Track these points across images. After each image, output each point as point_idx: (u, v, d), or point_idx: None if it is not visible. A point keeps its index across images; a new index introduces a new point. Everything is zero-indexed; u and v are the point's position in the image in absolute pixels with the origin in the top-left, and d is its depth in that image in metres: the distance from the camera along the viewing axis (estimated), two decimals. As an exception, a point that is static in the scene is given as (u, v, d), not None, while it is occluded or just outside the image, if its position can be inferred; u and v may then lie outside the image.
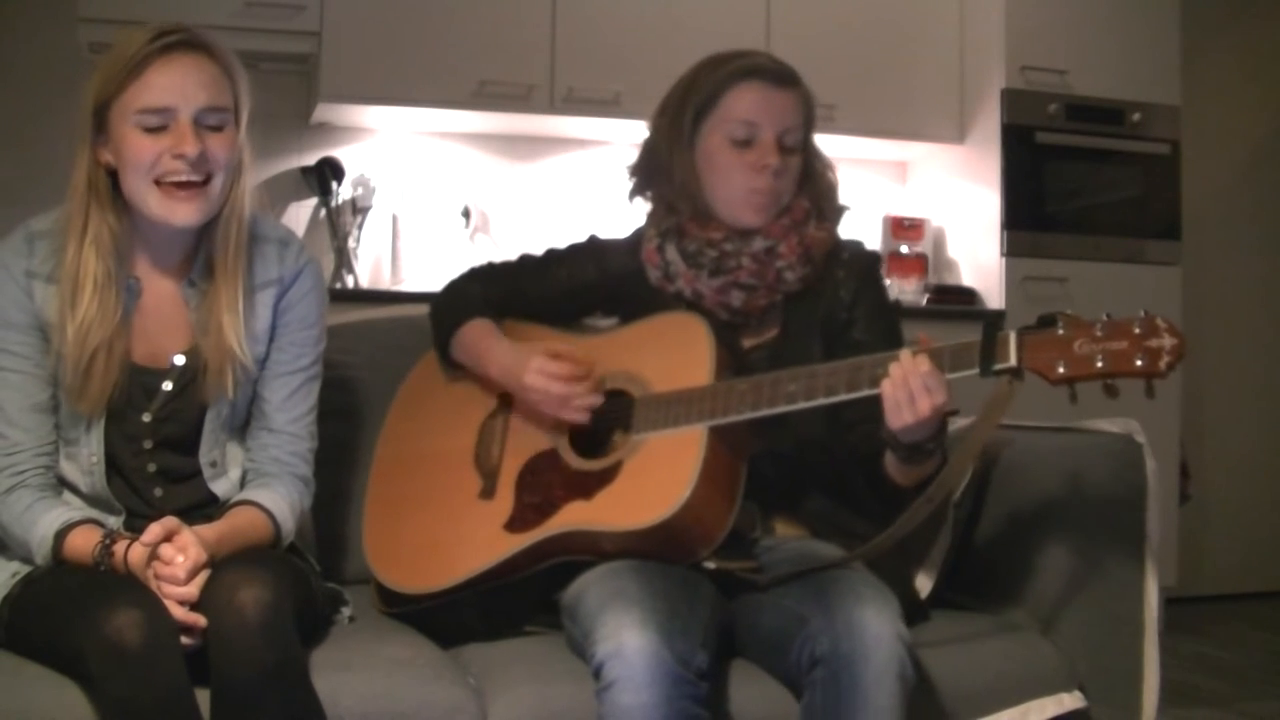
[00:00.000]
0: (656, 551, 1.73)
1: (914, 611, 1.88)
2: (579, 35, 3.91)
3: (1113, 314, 1.57)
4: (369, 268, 3.99)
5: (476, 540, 1.86)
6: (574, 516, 1.80)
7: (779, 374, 1.75)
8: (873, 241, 4.20)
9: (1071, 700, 1.89)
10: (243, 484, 1.84)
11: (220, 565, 1.60)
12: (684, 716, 1.55)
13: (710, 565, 1.76)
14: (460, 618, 1.85)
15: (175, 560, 1.57)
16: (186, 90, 1.70)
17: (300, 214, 4.01)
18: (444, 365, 2.08)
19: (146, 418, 1.78)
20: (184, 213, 1.72)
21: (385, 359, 2.26)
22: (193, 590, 1.56)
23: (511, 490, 1.89)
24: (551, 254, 2.09)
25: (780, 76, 1.93)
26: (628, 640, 1.56)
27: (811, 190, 1.97)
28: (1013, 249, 4.09)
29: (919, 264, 4.27)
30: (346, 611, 1.88)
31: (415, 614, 1.89)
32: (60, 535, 1.66)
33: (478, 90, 3.83)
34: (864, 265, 1.99)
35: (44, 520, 1.68)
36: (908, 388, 1.63)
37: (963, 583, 2.08)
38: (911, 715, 1.60)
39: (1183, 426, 4.23)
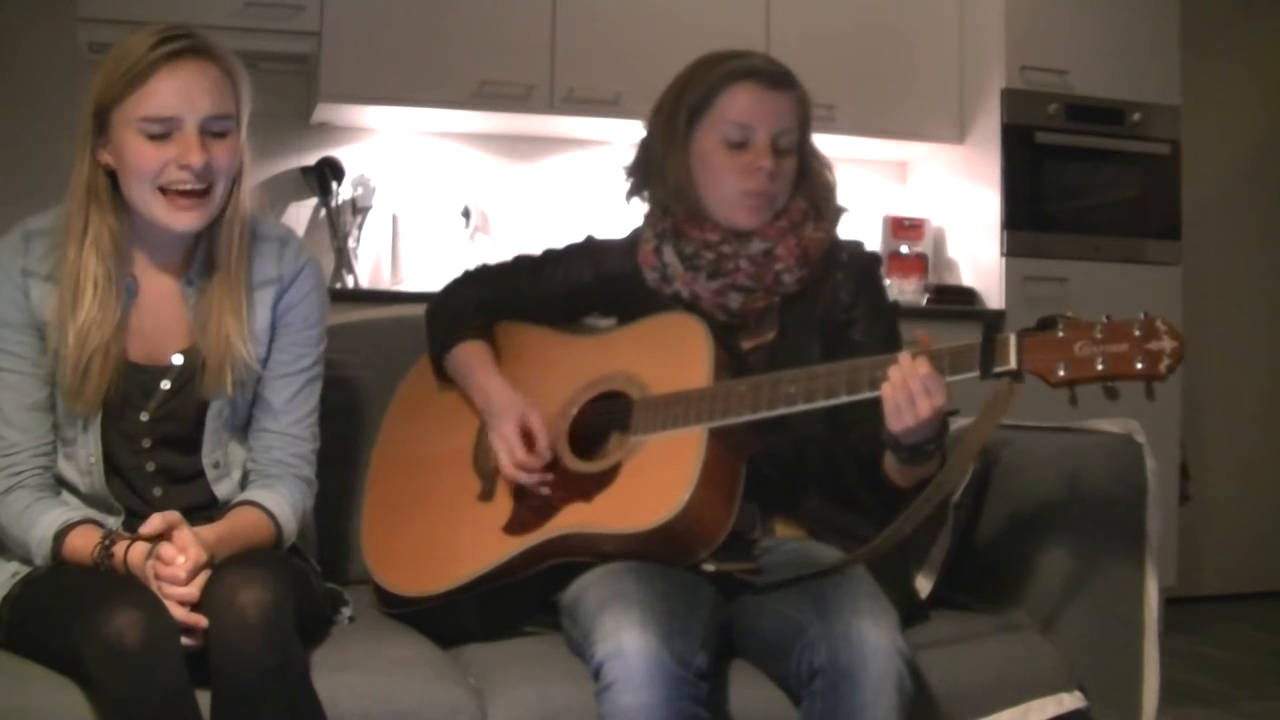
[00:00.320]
0: (656, 553, 1.73)
1: (914, 612, 1.88)
2: (579, 35, 3.91)
3: (1113, 315, 1.56)
4: (369, 268, 3.99)
5: (476, 543, 1.85)
6: (573, 519, 1.79)
7: (778, 375, 1.75)
8: (873, 241, 4.20)
9: (1071, 700, 1.89)
10: (244, 485, 1.84)
11: (221, 566, 1.60)
12: (683, 717, 1.55)
13: (709, 567, 1.76)
14: (460, 618, 1.85)
15: (175, 560, 1.57)
16: (192, 99, 1.69)
17: (300, 214, 4.01)
18: (437, 375, 2.08)
19: (144, 417, 1.78)
20: (186, 219, 1.73)
21: (385, 359, 2.26)
22: (193, 591, 1.55)
23: (510, 492, 1.89)
24: (548, 255, 2.08)
25: (775, 78, 1.92)
26: (627, 641, 1.56)
27: (809, 191, 1.97)
28: (1013, 249, 4.09)
29: (919, 264, 4.27)
30: (346, 612, 1.88)
31: (415, 614, 1.88)
32: (59, 536, 1.66)
33: (478, 90, 3.83)
34: (863, 266, 1.99)
35: (43, 521, 1.68)
36: (907, 390, 1.62)
37: (963, 583, 2.08)
38: (912, 715, 1.60)
39: (1183, 426, 4.23)
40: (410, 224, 4.06)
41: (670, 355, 1.86)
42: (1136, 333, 1.54)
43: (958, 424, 1.97)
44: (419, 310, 2.21)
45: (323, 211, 3.97)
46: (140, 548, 1.60)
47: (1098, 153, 4.19)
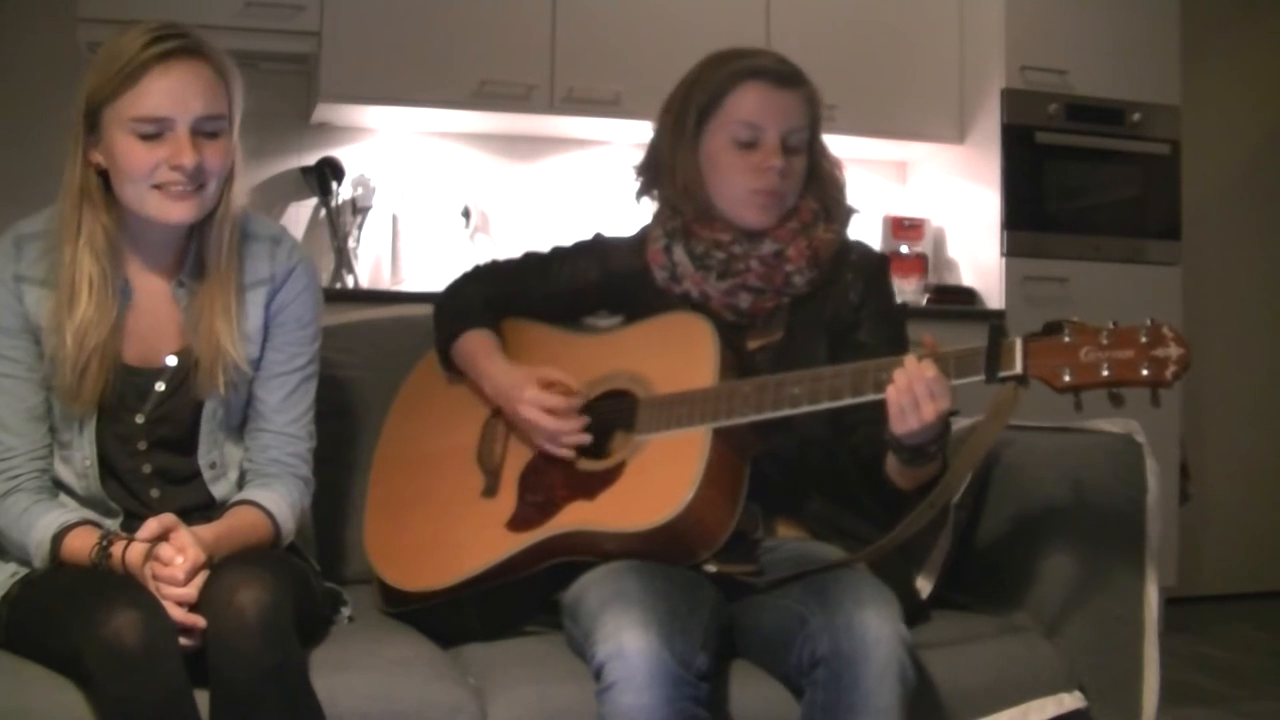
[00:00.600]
0: (658, 553, 1.73)
1: (915, 612, 1.88)
2: (579, 35, 3.91)
3: (1119, 320, 1.56)
4: (369, 268, 3.99)
5: (478, 539, 1.85)
6: (576, 517, 1.79)
7: (783, 376, 1.75)
8: (873, 242, 4.19)
9: (1071, 700, 1.89)
10: (241, 485, 1.84)
11: (219, 566, 1.60)
12: (684, 717, 1.55)
13: (711, 568, 1.76)
14: (461, 618, 1.85)
15: (174, 561, 1.57)
16: (184, 100, 1.69)
17: (300, 214, 4.01)
18: (445, 368, 2.08)
19: (140, 419, 1.78)
20: (179, 212, 1.72)
21: (385, 359, 2.26)
22: (191, 591, 1.55)
23: (514, 489, 1.89)
24: (556, 252, 2.09)
25: (783, 77, 1.92)
26: (628, 641, 1.56)
27: (819, 191, 1.97)
28: (1013, 249, 4.09)
29: (919, 264, 4.27)
30: (346, 611, 1.88)
31: (415, 614, 1.88)
32: (58, 538, 1.66)
33: (478, 90, 3.83)
34: (872, 268, 1.99)
35: (41, 523, 1.67)
36: (912, 394, 1.62)
37: (963, 583, 2.08)
38: (912, 715, 1.60)
39: (1183, 426, 4.23)
40: (410, 224, 4.06)
41: (676, 355, 1.86)
42: (1143, 339, 1.53)
43: (960, 424, 1.98)
44: (419, 310, 2.21)
45: (323, 211, 3.97)
46: (138, 548, 1.60)
47: (1098, 153, 4.19)
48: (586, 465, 1.85)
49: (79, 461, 1.76)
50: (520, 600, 1.85)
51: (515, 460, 1.93)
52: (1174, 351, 1.52)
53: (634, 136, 4.11)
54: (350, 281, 3.87)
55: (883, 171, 4.51)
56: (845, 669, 1.57)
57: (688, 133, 1.93)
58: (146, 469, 1.79)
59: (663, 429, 1.80)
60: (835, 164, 2.01)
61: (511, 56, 3.86)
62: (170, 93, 1.68)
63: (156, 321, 1.80)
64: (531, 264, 2.09)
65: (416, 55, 3.78)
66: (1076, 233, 4.16)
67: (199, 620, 1.52)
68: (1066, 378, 1.56)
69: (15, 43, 3.78)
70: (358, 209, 3.96)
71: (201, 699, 1.49)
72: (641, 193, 2.04)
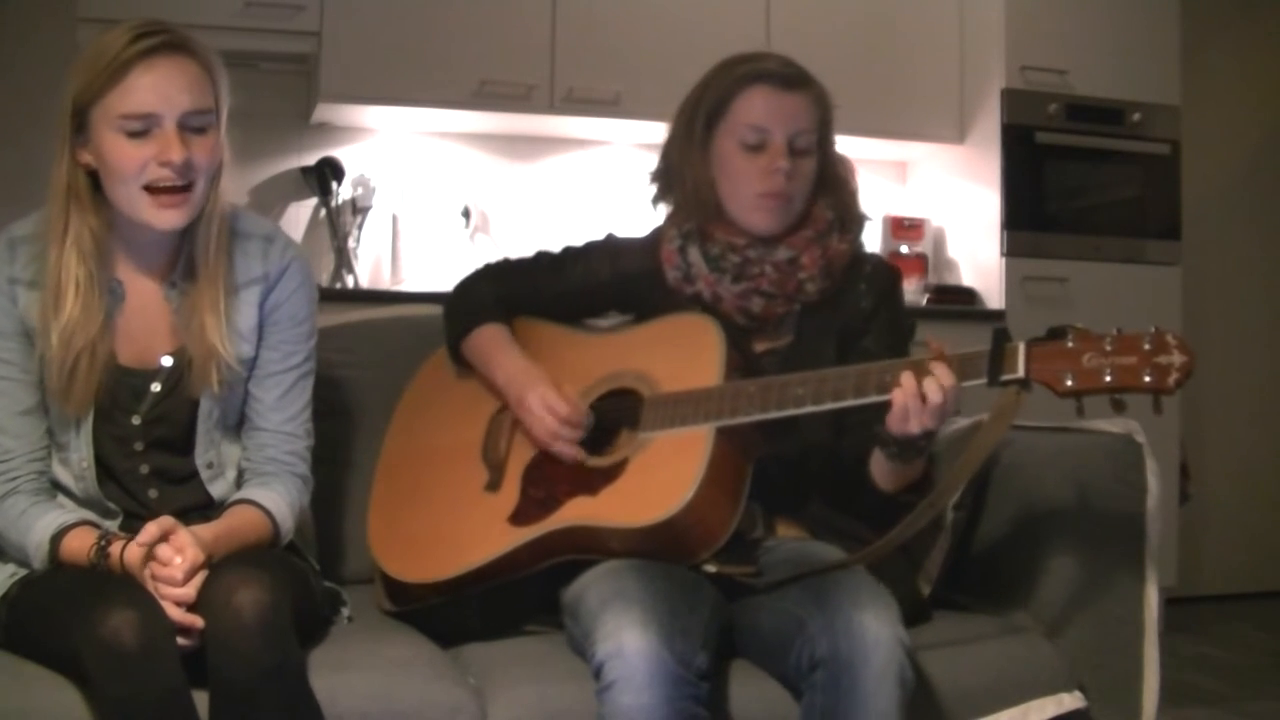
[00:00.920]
0: (659, 550, 1.73)
1: (917, 612, 1.88)
2: (579, 35, 3.91)
3: (1120, 323, 1.57)
4: (369, 268, 3.99)
5: (480, 532, 1.85)
6: (578, 512, 1.80)
7: (788, 377, 1.76)
8: (873, 242, 4.20)
9: (1071, 700, 1.89)
10: (240, 484, 1.84)
11: (218, 566, 1.60)
12: (684, 717, 1.55)
13: (711, 569, 1.76)
14: (461, 617, 1.85)
15: (173, 561, 1.57)
16: (170, 95, 1.68)
17: (300, 214, 4.01)
18: (455, 363, 2.08)
19: (136, 420, 1.78)
20: (170, 218, 1.71)
21: (385, 359, 2.26)
22: (189, 592, 1.55)
23: (517, 484, 1.89)
24: (568, 252, 2.09)
25: (788, 79, 1.92)
26: (628, 640, 1.56)
27: (832, 200, 1.98)
28: (1013, 249, 4.09)
29: (919, 264, 4.27)
30: (345, 611, 1.88)
31: (416, 613, 1.88)
32: (56, 538, 1.66)
33: (478, 90, 3.82)
34: (886, 281, 2.00)
35: (40, 524, 1.67)
36: (919, 395, 1.63)
37: (962, 583, 2.08)
38: (911, 715, 1.60)
39: (1183, 426, 4.23)
40: (410, 224, 4.06)
41: (682, 355, 1.87)
42: (1146, 346, 1.54)
43: (957, 424, 1.98)
44: (419, 310, 2.21)
45: (323, 211, 3.97)
46: (137, 548, 1.60)
47: (1098, 153, 4.19)
48: (590, 461, 1.85)
49: (76, 463, 1.76)
50: (521, 600, 1.85)
51: (519, 455, 1.93)
52: (1177, 359, 1.53)
53: (634, 136, 4.12)
54: (350, 281, 3.87)
55: (883, 171, 4.51)
56: (844, 672, 1.57)
57: (697, 137, 1.95)
58: (144, 469, 1.79)
59: (666, 427, 1.80)
60: (849, 169, 2.01)
61: (511, 56, 3.86)
62: (156, 88, 1.67)
63: (150, 322, 1.80)
64: (543, 263, 2.10)
65: (416, 55, 3.78)
66: (1076, 233, 4.16)
67: (197, 620, 1.52)
68: (1069, 382, 1.57)
69: (15, 43, 3.78)
70: (358, 209, 3.96)
71: (201, 699, 1.49)
72: (658, 198, 2.04)
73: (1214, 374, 4.67)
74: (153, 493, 1.79)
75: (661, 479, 1.75)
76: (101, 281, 1.74)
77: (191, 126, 1.70)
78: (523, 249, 2.16)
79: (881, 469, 1.79)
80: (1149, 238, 4.23)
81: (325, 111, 3.87)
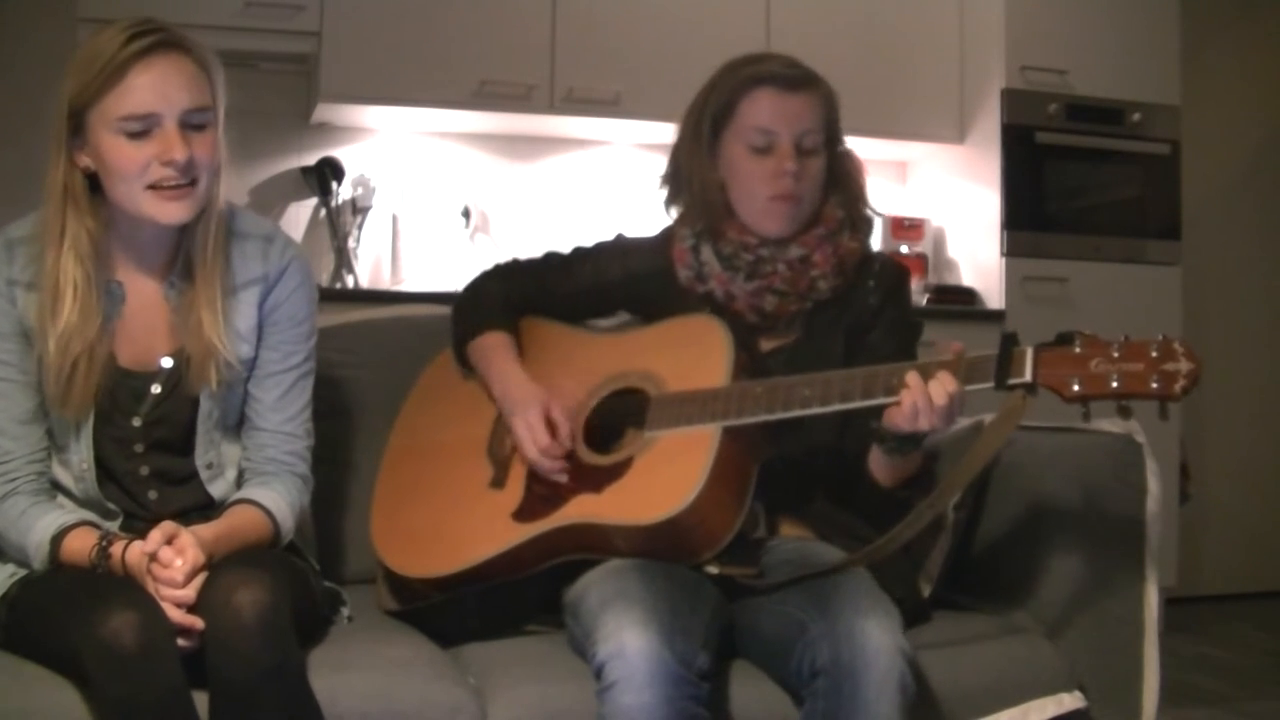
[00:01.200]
0: (661, 549, 1.73)
1: (917, 612, 1.88)
2: (579, 35, 3.91)
3: (1122, 325, 1.57)
4: (369, 268, 3.99)
5: (483, 529, 1.86)
6: (582, 509, 1.80)
7: (795, 378, 1.76)
8: (873, 242, 4.19)
9: (1071, 700, 1.89)
10: (240, 484, 1.84)
11: (218, 566, 1.60)
12: (685, 717, 1.55)
13: (712, 570, 1.76)
14: (462, 617, 1.85)
15: (174, 563, 1.57)
16: (169, 94, 1.67)
17: (300, 214, 4.01)
18: (459, 364, 2.09)
19: (136, 422, 1.78)
20: (175, 211, 1.71)
21: (385, 359, 2.26)
22: (189, 593, 1.55)
23: (522, 481, 1.89)
24: (577, 252, 2.09)
25: (793, 80, 1.93)
26: (629, 640, 1.56)
27: (843, 198, 1.98)
28: (1013, 249, 4.09)
29: (919, 264, 4.26)
30: (345, 611, 1.88)
31: (417, 613, 1.88)
32: (56, 539, 1.66)
33: (478, 90, 3.82)
34: (894, 278, 2.01)
35: (40, 525, 1.67)
36: (928, 396, 1.64)
37: (963, 583, 2.08)
38: (912, 715, 1.60)
39: (1183, 426, 4.23)
40: (410, 224, 4.06)
41: (690, 356, 1.87)
42: (1153, 353, 1.54)
43: (960, 424, 1.98)
44: (419, 310, 2.21)
45: (323, 211, 3.97)
46: (138, 549, 1.60)
47: (1098, 153, 4.19)
48: (595, 459, 1.85)
49: (76, 464, 1.76)
50: (521, 599, 1.85)
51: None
52: (1184, 366, 1.53)
53: (634, 136, 4.12)
54: (350, 281, 3.87)
55: (883, 171, 4.50)
56: (845, 679, 1.57)
57: (704, 141, 1.96)
58: (144, 471, 1.79)
59: (672, 426, 1.80)
60: (858, 167, 2.02)
61: (511, 56, 3.86)
62: (154, 88, 1.67)
63: (150, 323, 1.79)
64: (553, 263, 2.10)
65: (416, 55, 3.78)
66: (1076, 233, 4.16)
67: (197, 621, 1.52)
68: (1076, 388, 1.57)
69: (15, 43, 3.78)
70: (358, 209, 3.96)
71: (200, 700, 1.49)
72: (669, 202, 2.05)
73: (1214, 374, 4.63)
74: (152, 494, 1.79)
75: (666, 477, 1.75)
76: (100, 283, 1.74)
77: (191, 124, 1.70)
78: (523, 249, 2.16)
79: (879, 464, 1.80)
80: (1149, 238, 4.23)
81: (325, 111, 3.87)
